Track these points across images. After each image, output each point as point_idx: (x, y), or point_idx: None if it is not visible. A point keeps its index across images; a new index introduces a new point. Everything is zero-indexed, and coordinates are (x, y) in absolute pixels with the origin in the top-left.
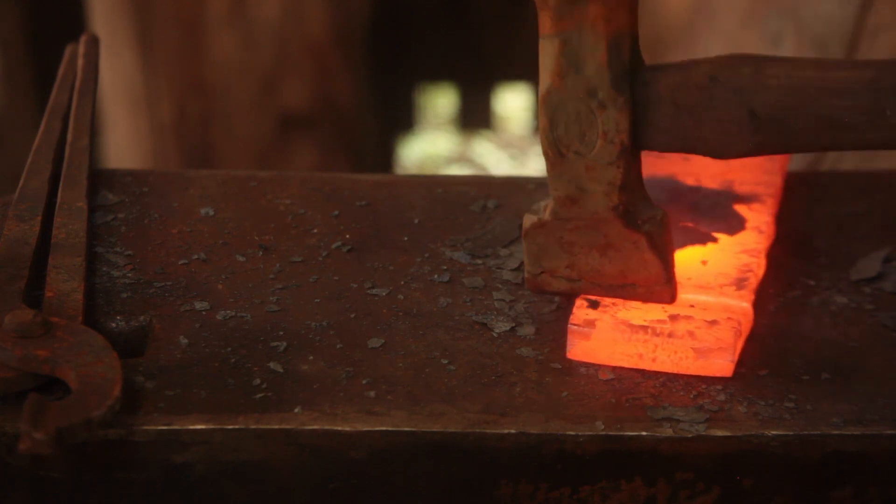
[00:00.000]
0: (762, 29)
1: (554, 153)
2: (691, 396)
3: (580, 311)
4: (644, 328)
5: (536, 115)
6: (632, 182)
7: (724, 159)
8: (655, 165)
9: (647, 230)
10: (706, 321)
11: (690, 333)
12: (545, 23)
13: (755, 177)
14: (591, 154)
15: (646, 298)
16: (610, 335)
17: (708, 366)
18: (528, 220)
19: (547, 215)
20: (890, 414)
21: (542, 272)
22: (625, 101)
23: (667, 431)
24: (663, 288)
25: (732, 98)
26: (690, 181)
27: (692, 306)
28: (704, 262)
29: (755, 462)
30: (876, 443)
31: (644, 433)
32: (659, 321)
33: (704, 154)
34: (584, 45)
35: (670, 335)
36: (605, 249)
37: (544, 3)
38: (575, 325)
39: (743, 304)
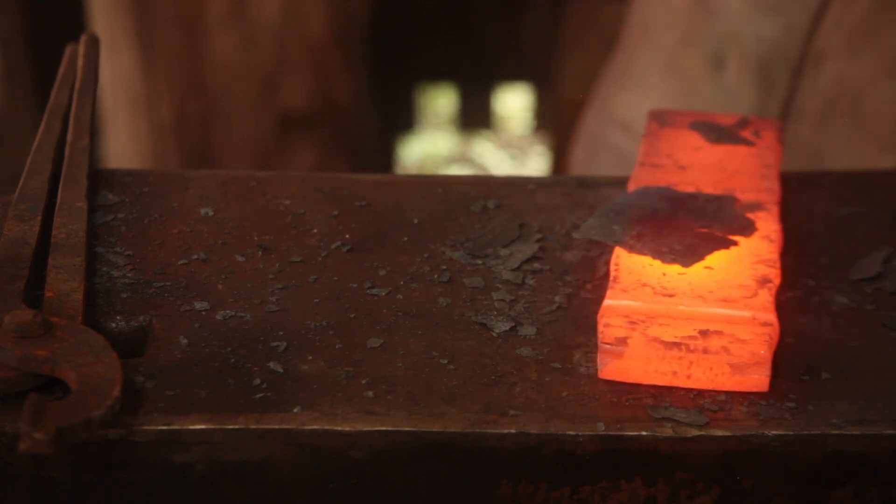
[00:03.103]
0: (702, 49)
1: None
2: (691, 396)
3: (609, 329)
4: (678, 345)
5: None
6: None
7: None
8: (652, 176)
9: None
10: (737, 336)
11: (724, 349)
12: None
13: (755, 183)
14: None
15: None
16: (643, 353)
17: (744, 381)
18: None
19: None
20: (890, 414)
21: None
22: None
23: (667, 431)
24: None
25: None
26: (690, 190)
27: (719, 321)
28: (711, 268)
29: (755, 462)
30: (876, 443)
31: (644, 433)
32: (690, 337)
33: None
34: None
35: (705, 351)
36: None
37: None
38: (607, 343)
39: (769, 316)
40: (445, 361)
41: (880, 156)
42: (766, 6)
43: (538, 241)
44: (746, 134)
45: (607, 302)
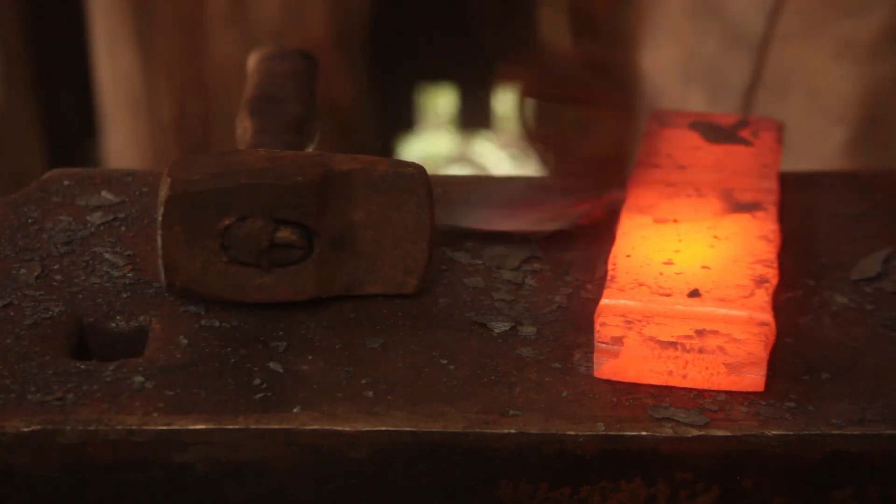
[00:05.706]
0: (695, 23)
1: None
2: (691, 396)
3: (605, 329)
4: (673, 344)
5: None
6: None
7: None
8: (651, 175)
9: None
10: (733, 336)
11: (720, 348)
12: None
13: (753, 183)
14: None
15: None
16: (639, 352)
17: (740, 381)
18: None
19: None
20: (890, 414)
21: None
22: None
23: (667, 431)
24: None
25: None
26: (690, 189)
27: (715, 320)
28: (708, 268)
29: (755, 462)
30: (876, 443)
31: (644, 433)
32: (686, 337)
33: None
34: None
35: (701, 351)
36: None
37: None
38: (603, 343)
39: (765, 316)
40: (445, 361)
41: (829, 128)
42: None
43: (538, 240)
44: (745, 134)
45: (604, 301)
